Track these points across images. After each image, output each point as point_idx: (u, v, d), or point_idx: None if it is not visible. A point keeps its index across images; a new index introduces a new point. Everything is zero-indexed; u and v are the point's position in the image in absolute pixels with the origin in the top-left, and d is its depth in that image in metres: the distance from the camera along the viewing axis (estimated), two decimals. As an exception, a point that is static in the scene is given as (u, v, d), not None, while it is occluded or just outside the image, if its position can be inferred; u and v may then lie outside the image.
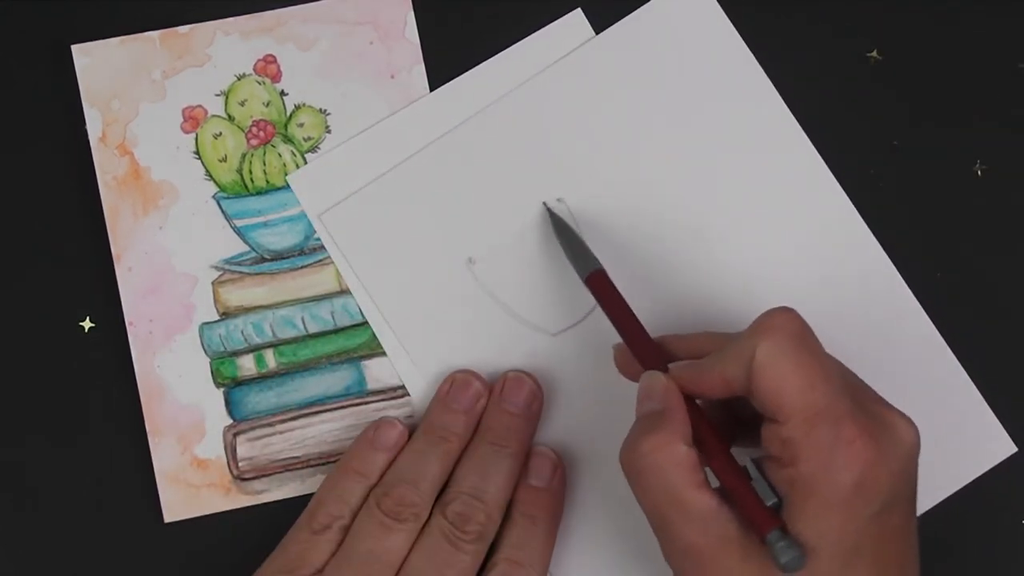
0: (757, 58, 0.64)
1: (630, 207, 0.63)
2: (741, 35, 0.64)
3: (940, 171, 0.64)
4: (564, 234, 0.61)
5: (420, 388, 0.63)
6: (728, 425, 0.55)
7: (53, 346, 0.63)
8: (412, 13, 0.64)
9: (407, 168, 0.63)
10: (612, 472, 0.57)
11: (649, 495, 0.52)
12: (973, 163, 0.64)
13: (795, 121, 0.64)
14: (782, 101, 0.64)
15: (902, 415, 0.51)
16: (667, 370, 0.55)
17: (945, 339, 0.63)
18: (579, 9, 0.64)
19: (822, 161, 0.63)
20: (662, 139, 0.63)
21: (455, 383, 0.62)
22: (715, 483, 0.52)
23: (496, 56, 0.64)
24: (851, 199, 0.63)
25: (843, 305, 0.63)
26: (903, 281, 0.63)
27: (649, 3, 0.64)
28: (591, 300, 0.62)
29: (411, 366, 0.63)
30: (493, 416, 0.61)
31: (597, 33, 0.64)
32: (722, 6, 0.64)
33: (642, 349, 0.56)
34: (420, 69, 0.64)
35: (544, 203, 0.63)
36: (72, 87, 0.63)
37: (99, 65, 0.63)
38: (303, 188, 0.63)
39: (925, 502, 0.61)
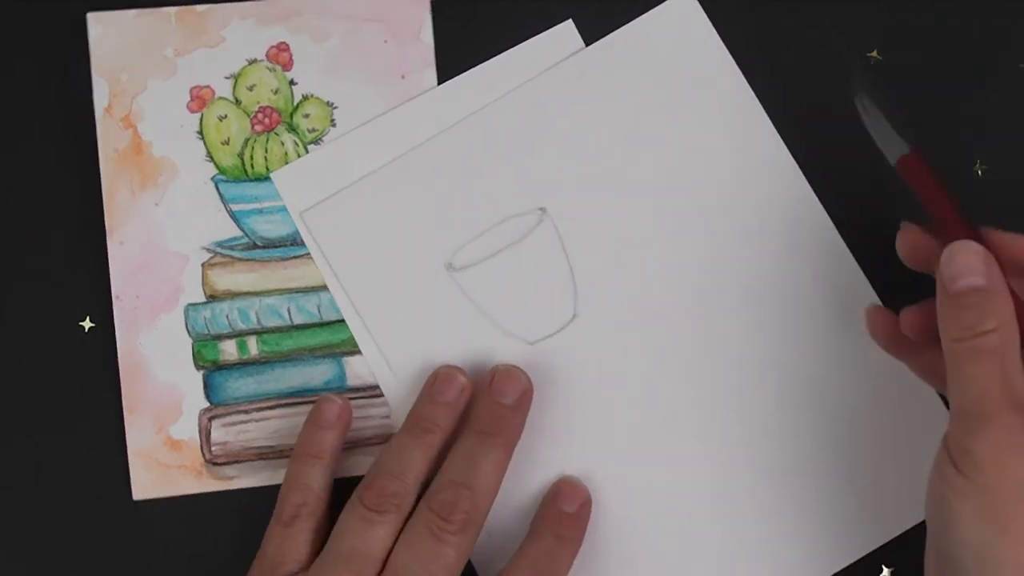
0: (757, 58, 0.64)
1: (614, 218, 0.63)
2: (741, 34, 0.64)
3: (940, 171, 0.64)
4: (872, 119, 0.57)
5: (395, 389, 0.63)
6: None
7: (53, 346, 0.63)
8: (429, 15, 0.64)
9: (391, 171, 0.63)
10: (592, 483, 0.60)
11: (979, 375, 0.50)
12: (973, 163, 0.65)
13: (779, 137, 0.64)
14: (767, 117, 0.64)
15: None
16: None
17: None
18: (570, 20, 0.64)
19: (803, 176, 0.64)
20: (647, 152, 0.63)
21: (439, 377, 0.61)
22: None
23: (484, 63, 0.64)
24: (851, 199, 0.64)
25: (826, 319, 0.63)
26: (870, 285, 0.63)
27: (640, 18, 0.64)
28: (570, 311, 0.63)
29: (386, 368, 0.63)
30: (482, 407, 0.61)
31: (587, 45, 0.64)
32: (724, 4, 0.64)
33: (957, 228, 0.54)
34: (431, 72, 0.64)
35: (859, 60, 0.62)
36: (84, 56, 0.63)
37: (112, 36, 0.63)
38: (286, 185, 0.63)
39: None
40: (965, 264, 0.52)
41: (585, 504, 0.62)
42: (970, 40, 0.65)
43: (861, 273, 0.63)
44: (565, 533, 0.61)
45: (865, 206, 0.64)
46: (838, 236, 0.63)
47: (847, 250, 0.64)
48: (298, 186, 0.63)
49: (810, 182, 0.64)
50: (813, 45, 0.64)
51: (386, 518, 0.58)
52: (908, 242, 0.57)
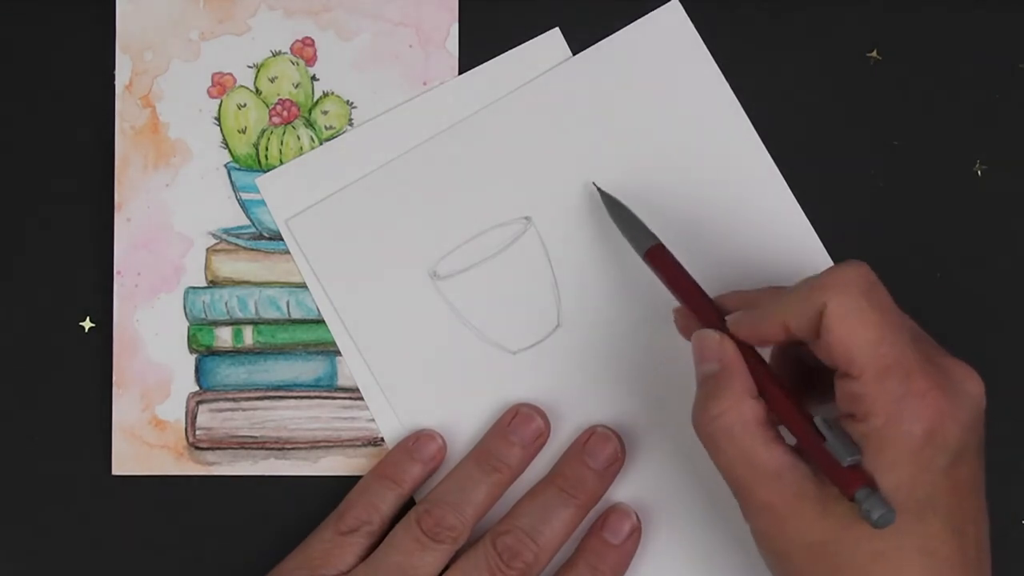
0: (756, 58, 0.64)
1: (598, 228, 0.63)
2: (739, 35, 0.64)
3: (940, 171, 0.64)
4: (617, 212, 0.61)
5: (377, 396, 0.63)
6: (796, 380, 0.55)
7: (53, 346, 0.63)
8: (456, 25, 0.64)
9: (376, 178, 0.63)
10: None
11: (723, 457, 0.52)
12: (973, 163, 0.64)
13: (764, 148, 0.63)
14: (753, 128, 0.63)
15: (968, 368, 0.51)
16: (725, 327, 0.55)
17: (943, 340, 0.62)
18: (556, 29, 0.64)
19: (787, 186, 0.63)
20: (632, 162, 0.63)
21: (518, 415, 0.61)
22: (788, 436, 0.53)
23: (470, 72, 0.64)
24: (851, 199, 0.64)
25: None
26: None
27: (627, 27, 0.64)
28: (553, 321, 0.63)
29: (368, 375, 0.63)
30: (570, 464, 0.61)
31: (574, 53, 0.64)
32: (711, 14, 0.64)
33: (702, 311, 0.56)
34: (453, 81, 0.64)
35: (593, 183, 0.62)
36: (109, 31, 0.63)
37: (140, 13, 0.63)
38: (271, 192, 0.63)
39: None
40: (701, 352, 0.54)
41: (632, 538, 0.61)
42: (970, 40, 0.64)
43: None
44: (601, 567, 0.60)
45: (850, 214, 0.64)
46: (822, 247, 0.63)
47: (830, 261, 0.63)
48: (284, 192, 0.63)
49: (795, 192, 0.63)
50: (801, 55, 0.64)
51: (440, 547, 0.59)
52: (680, 321, 0.58)
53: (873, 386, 0.49)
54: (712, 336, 0.54)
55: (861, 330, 0.50)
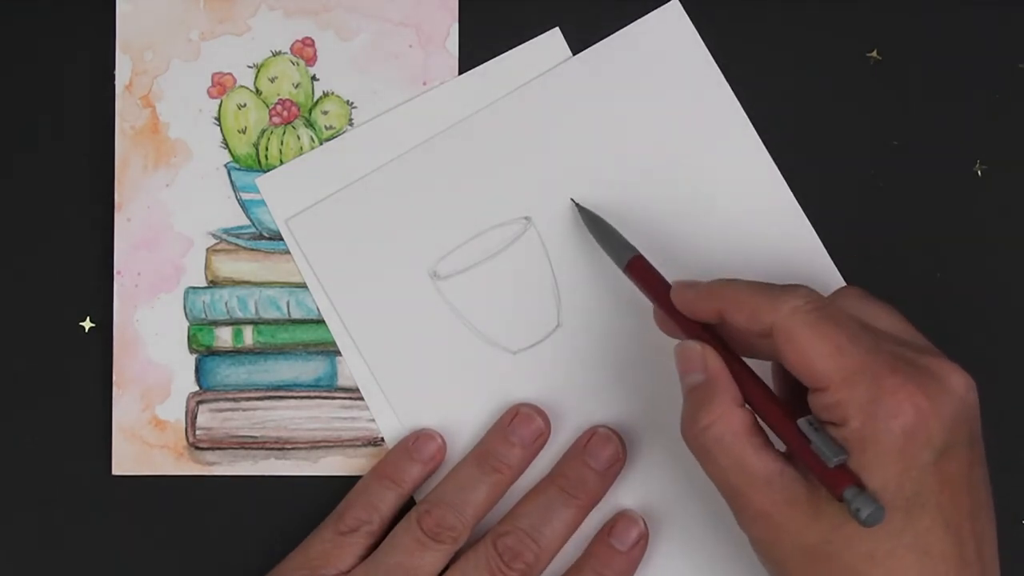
0: (756, 59, 0.64)
1: None
2: (739, 35, 0.64)
3: (940, 171, 0.64)
4: (596, 226, 0.61)
5: (377, 396, 0.63)
6: (796, 391, 0.55)
7: (53, 346, 0.63)
8: (456, 25, 0.64)
9: (376, 178, 0.63)
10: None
11: (716, 467, 0.53)
12: (973, 163, 0.64)
13: (764, 148, 0.63)
14: (753, 128, 0.64)
15: (952, 365, 0.51)
16: (707, 336, 0.55)
17: (944, 340, 0.62)
18: (556, 29, 0.64)
19: (787, 186, 0.63)
20: (632, 162, 0.63)
21: (519, 415, 0.61)
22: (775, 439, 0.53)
23: (470, 72, 0.64)
24: (851, 199, 0.64)
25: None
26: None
27: (627, 27, 0.64)
28: (553, 321, 0.63)
29: (368, 375, 0.63)
30: (571, 465, 0.61)
31: (574, 53, 0.64)
32: (711, 14, 0.64)
33: (682, 321, 0.56)
34: (453, 82, 0.64)
35: (572, 199, 0.63)
36: (109, 31, 0.63)
37: (140, 14, 0.63)
38: (271, 192, 0.63)
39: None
40: (685, 363, 0.55)
41: (639, 545, 0.61)
42: (970, 40, 0.64)
43: (843, 283, 0.63)
44: (607, 573, 0.60)
45: (850, 214, 0.64)
46: (822, 247, 0.63)
47: (833, 264, 0.63)
48: (284, 192, 0.63)
49: (795, 192, 0.63)
50: (801, 55, 0.64)
51: (440, 547, 0.59)
52: (659, 319, 0.58)
53: (843, 393, 0.50)
54: (694, 347, 0.54)
55: (815, 343, 0.50)
